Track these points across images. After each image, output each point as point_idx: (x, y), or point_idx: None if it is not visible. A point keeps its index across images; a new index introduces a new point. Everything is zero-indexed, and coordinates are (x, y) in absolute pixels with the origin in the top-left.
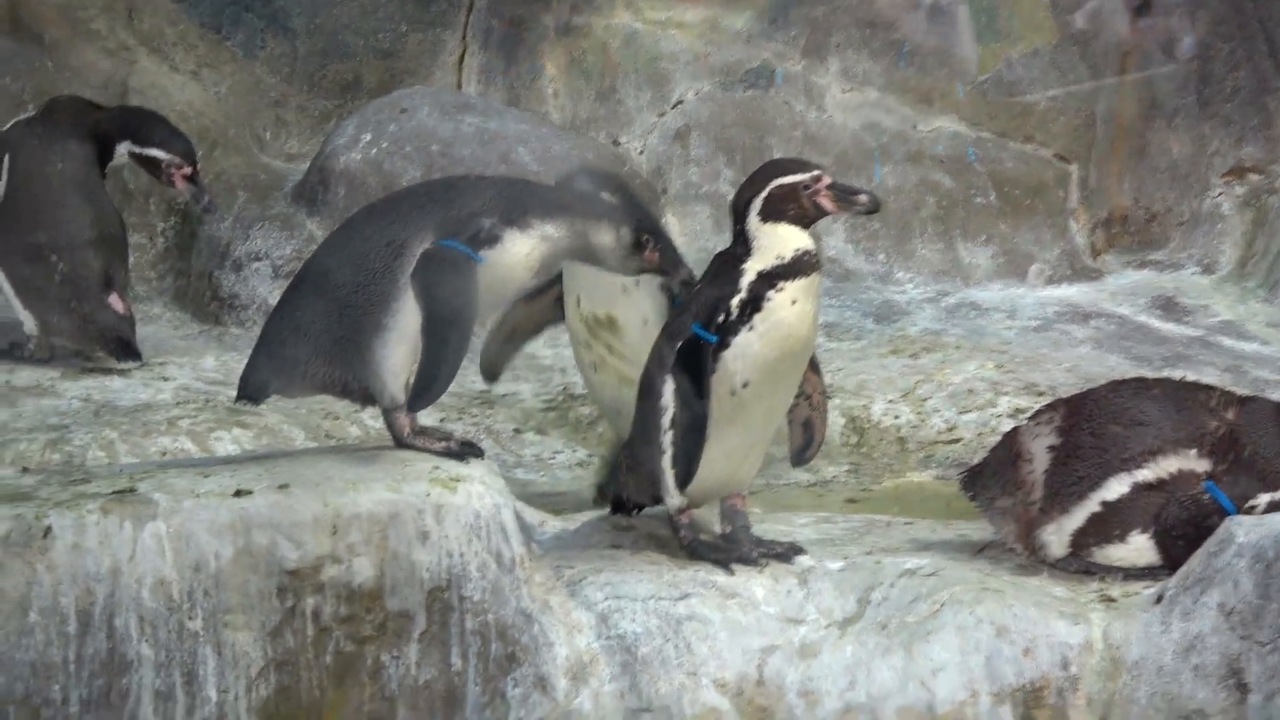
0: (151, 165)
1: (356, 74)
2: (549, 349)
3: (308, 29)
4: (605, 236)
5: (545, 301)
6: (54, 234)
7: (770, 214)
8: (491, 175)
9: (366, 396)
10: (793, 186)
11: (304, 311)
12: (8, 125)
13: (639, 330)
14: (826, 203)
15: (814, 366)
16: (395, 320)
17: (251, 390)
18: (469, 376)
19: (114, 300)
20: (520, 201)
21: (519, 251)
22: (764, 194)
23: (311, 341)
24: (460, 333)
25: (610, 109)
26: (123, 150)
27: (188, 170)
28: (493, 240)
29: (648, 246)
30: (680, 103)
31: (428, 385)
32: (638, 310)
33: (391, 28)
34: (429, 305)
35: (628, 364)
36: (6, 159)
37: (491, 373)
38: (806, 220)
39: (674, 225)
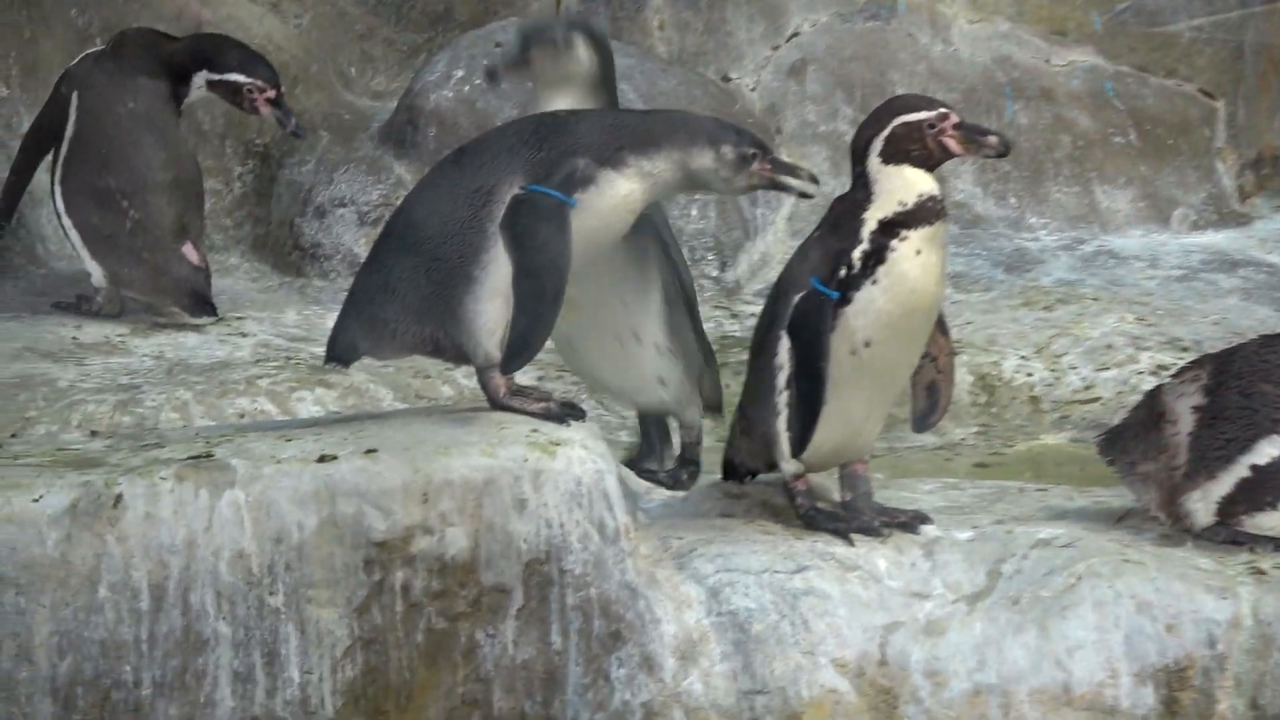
0: (232, 92)
1: (447, 5)
2: None
3: None
4: (707, 159)
5: None
6: (125, 178)
7: (892, 155)
8: (584, 109)
9: (460, 355)
10: (917, 125)
11: (392, 267)
12: (75, 60)
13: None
14: (953, 144)
15: (940, 324)
16: (486, 273)
17: (340, 351)
18: None
19: (188, 250)
20: (615, 136)
21: (617, 192)
22: (885, 133)
23: (400, 298)
24: (554, 284)
25: (719, 42)
26: (199, 81)
27: (271, 93)
28: (586, 182)
29: (755, 159)
30: (795, 35)
31: (521, 342)
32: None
33: None
34: (519, 255)
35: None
36: (75, 97)
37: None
38: (931, 162)
39: None
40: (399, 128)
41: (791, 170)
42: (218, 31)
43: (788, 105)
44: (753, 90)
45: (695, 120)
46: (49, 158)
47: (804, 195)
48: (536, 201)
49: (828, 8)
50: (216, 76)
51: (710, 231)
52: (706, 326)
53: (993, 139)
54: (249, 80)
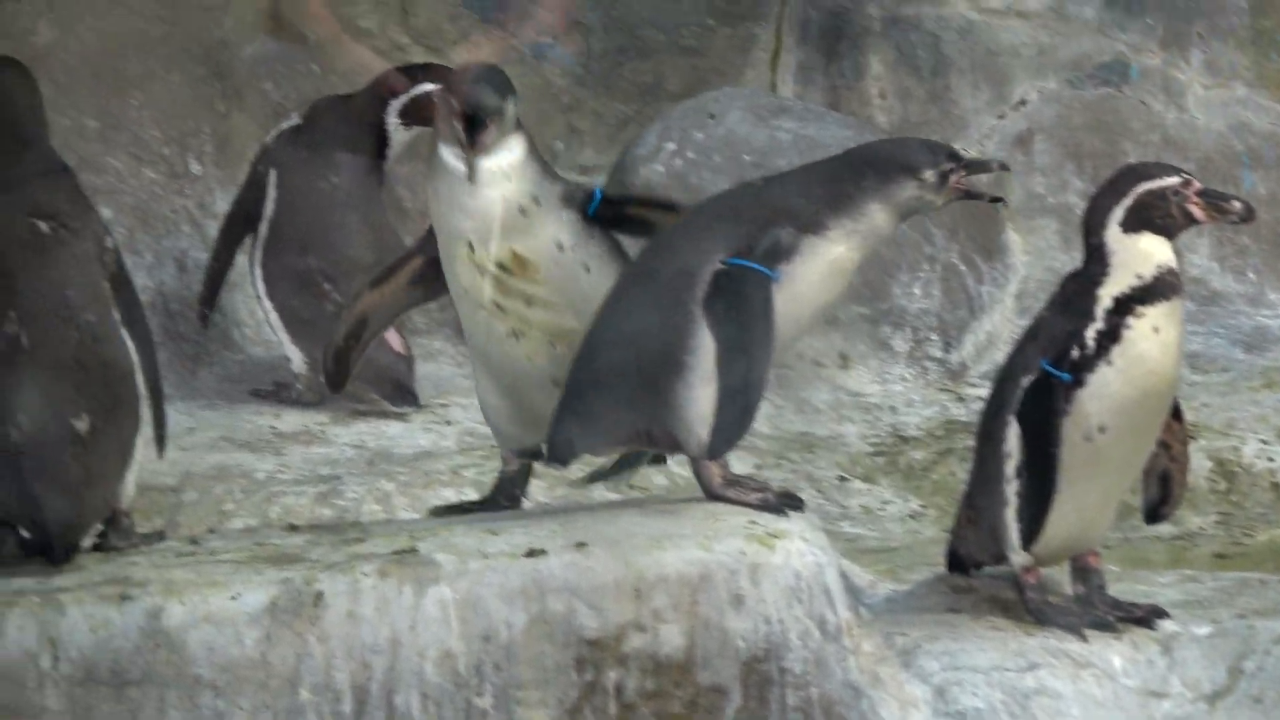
0: (423, 108)
1: (657, 75)
2: (875, 384)
3: (603, 25)
4: (910, 190)
5: (398, 282)
6: (327, 259)
7: (1133, 224)
8: (778, 173)
9: (673, 444)
10: (1161, 192)
11: (601, 359)
12: (271, 135)
13: (554, 260)
14: (1197, 210)
15: (1174, 410)
16: (695, 358)
17: (558, 452)
18: (785, 417)
19: (390, 335)
20: (811, 198)
21: (824, 258)
22: (1128, 201)
23: (612, 391)
24: (758, 363)
25: (943, 110)
26: (393, 117)
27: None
28: (790, 252)
29: (952, 173)
30: (1022, 103)
31: (729, 425)
32: (545, 235)
33: (697, 22)
34: (722, 335)
35: (554, 311)
36: (273, 175)
37: (336, 382)
38: (1173, 230)
39: (1016, 242)
40: None
41: (982, 166)
42: None
43: (1014, 176)
44: None
45: (883, 155)
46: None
47: (995, 200)
48: (738, 277)
49: (1057, 74)
50: (406, 97)
51: (934, 310)
52: (930, 411)
53: (1236, 204)
54: (436, 87)
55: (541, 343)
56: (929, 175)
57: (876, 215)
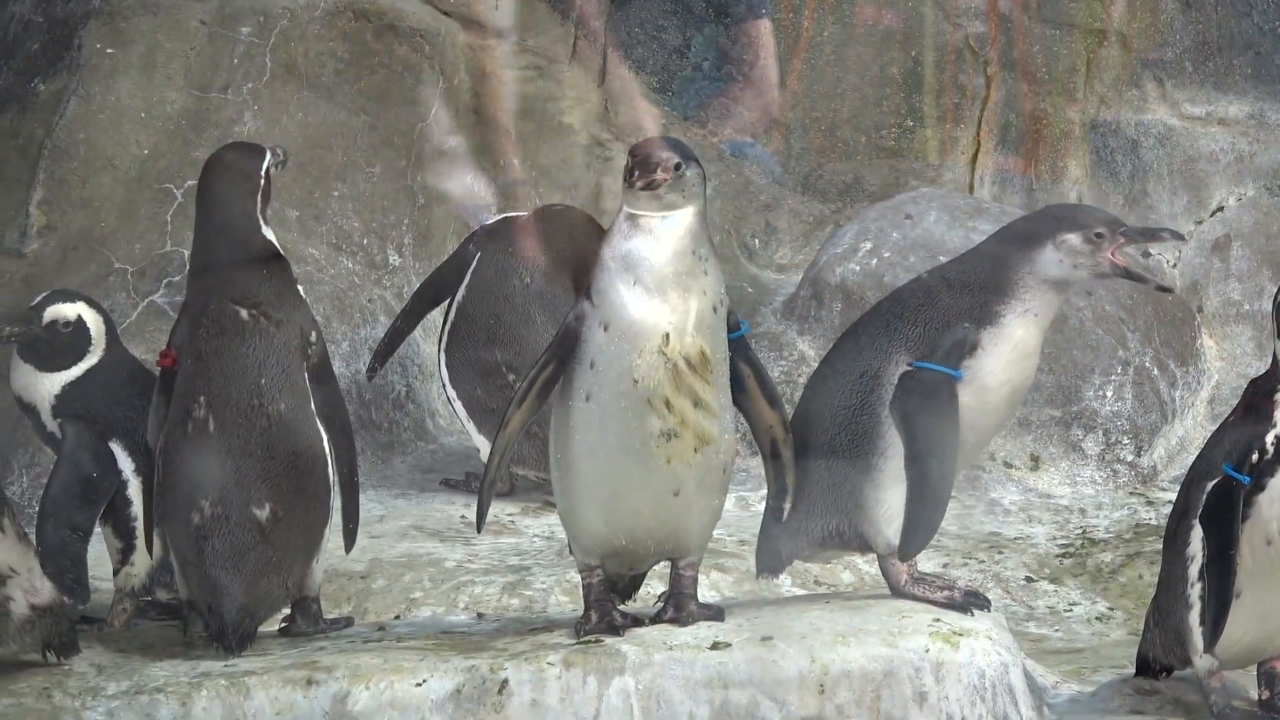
0: None
1: (856, 174)
2: (1066, 486)
3: (803, 124)
4: (1050, 256)
5: (537, 396)
6: (512, 351)
7: None
8: (943, 268)
9: (863, 544)
10: None
11: (800, 466)
12: (490, 219)
13: (721, 365)
14: None
15: None
16: (884, 460)
17: (768, 563)
18: (975, 516)
19: None
20: (978, 290)
21: (1005, 344)
22: None
23: (808, 496)
24: (944, 463)
25: (1140, 216)
26: None
27: None
28: (973, 348)
29: (1105, 241)
30: (1220, 209)
31: (916, 526)
32: (721, 339)
33: (896, 122)
34: (909, 437)
35: (711, 416)
36: (477, 259)
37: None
38: None
39: (1210, 348)
40: (803, 302)
41: (1149, 235)
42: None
43: (1210, 283)
44: (1173, 266)
45: (1023, 227)
46: (438, 327)
47: (1162, 288)
48: (923, 379)
49: (1255, 181)
50: None
51: (1126, 414)
52: (1120, 514)
53: None
54: None
55: (688, 447)
56: (1071, 239)
57: (1035, 289)
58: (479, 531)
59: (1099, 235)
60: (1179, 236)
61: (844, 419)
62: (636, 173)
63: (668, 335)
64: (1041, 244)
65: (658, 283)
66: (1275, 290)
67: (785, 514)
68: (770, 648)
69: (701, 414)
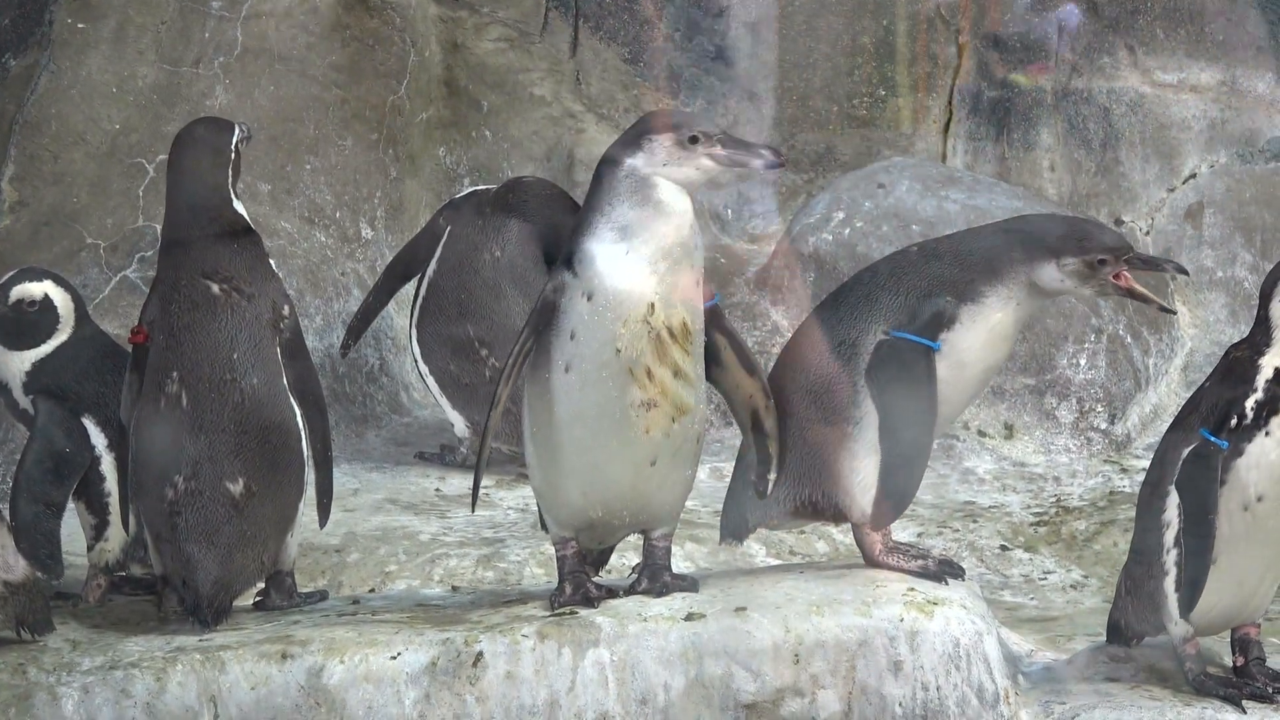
0: None
1: (828, 144)
2: (1040, 455)
3: (775, 93)
4: (1052, 273)
5: (520, 368)
6: (484, 326)
7: None
8: (935, 242)
9: (837, 514)
10: None
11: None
12: (461, 194)
13: (700, 336)
14: None
15: None
16: (859, 428)
17: (733, 528)
18: (949, 485)
19: None
20: (966, 267)
21: (984, 324)
22: None
23: (782, 466)
24: (920, 433)
25: (1113, 183)
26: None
27: None
28: (951, 322)
29: (1105, 265)
30: (1193, 176)
31: (890, 495)
32: (700, 312)
33: (868, 92)
34: (885, 406)
35: (689, 386)
36: (448, 232)
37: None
38: None
39: (1183, 315)
40: (776, 272)
41: (1153, 265)
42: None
43: (1183, 249)
44: (1146, 234)
45: (1036, 232)
46: (409, 302)
47: (1165, 310)
48: (900, 348)
49: (1227, 149)
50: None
51: (1100, 382)
52: (1094, 482)
53: None
54: None
55: (666, 417)
56: (1075, 264)
57: (1027, 289)
58: (473, 511)
59: (1102, 262)
60: (1183, 270)
61: (822, 388)
62: (767, 152)
63: (653, 305)
64: (1046, 259)
65: (654, 254)
66: (1275, 267)
67: (770, 485)
68: (745, 618)
69: (681, 384)
